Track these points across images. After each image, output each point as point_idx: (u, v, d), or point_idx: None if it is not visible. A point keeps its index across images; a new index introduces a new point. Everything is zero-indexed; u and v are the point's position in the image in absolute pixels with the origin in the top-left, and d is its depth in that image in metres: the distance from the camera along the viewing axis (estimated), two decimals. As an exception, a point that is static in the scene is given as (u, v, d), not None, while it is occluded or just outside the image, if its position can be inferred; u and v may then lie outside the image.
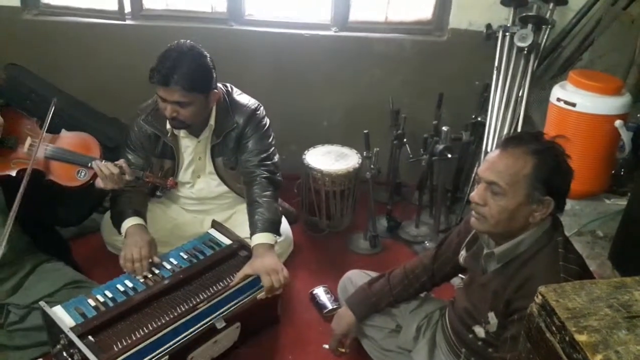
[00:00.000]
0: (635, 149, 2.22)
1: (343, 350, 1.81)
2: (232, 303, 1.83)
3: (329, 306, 2.15)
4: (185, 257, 1.98)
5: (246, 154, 2.08)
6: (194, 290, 1.83)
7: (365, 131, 2.44)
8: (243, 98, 2.12)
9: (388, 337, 1.76)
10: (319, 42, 2.82)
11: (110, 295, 1.78)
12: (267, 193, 2.03)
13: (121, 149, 2.11)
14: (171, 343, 1.66)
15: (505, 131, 2.57)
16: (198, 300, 1.79)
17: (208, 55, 1.92)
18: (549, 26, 2.55)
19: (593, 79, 2.15)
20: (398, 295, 1.75)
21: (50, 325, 1.68)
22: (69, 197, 1.96)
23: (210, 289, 1.85)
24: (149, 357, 1.61)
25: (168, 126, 2.02)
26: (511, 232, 1.37)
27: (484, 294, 1.45)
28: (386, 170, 2.81)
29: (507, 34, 2.60)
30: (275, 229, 1.99)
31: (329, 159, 2.59)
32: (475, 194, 1.38)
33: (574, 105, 2.12)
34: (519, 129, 2.56)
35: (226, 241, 2.07)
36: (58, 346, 1.63)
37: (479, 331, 1.48)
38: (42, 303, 1.68)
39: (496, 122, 2.59)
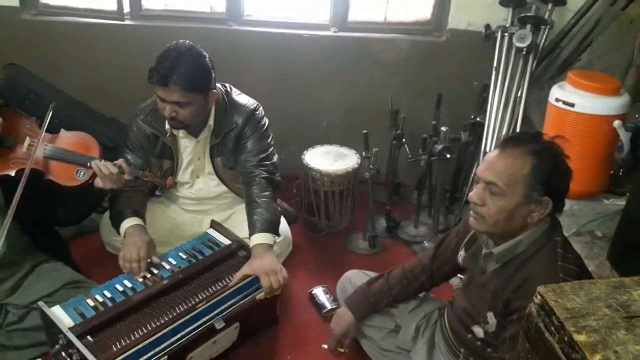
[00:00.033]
0: (634, 149, 2.23)
1: (342, 350, 1.81)
2: (231, 303, 1.83)
3: (328, 306, 2.15)
4: (184, 257, 1.98)
5: (245, 154, 2.08)
6: (193, 290, 1.83)
7: (364, 131, 2.44)
8: (242, 98, 2.11)
9: (387, 337, 1.76)
10: (318, 43, 2.82)
11: (109, 295, 1.78)
12: (266, 193, 2.03)
13: (120, 149, 2.11)
14: (170, 343, 1.66)
15: (504, 131, 2.57)
16: (197, 300, 1.79)
17: (207, 55, 1.92)
18: (548, 26, 2.55)
19: (592, 80, 2.15)
20: (397, 295, 1.75)
21: (49, 326, 1.67)
22: (68, 196, 1.96)
23: (209, 289, 1.85)
24: (147, 357, 1.61)
25: (167, 126, 2.02)
26: (510, 232, 1.37)
27: (483, 294, 1.45)
28: (385, 170, 2.81)
29: (505, 34, 2.60)
30: (274, 229, 1.99)
31: (328, 159, 2.59)
32: (474, 194, 1.38)
33: (572, 105, 2.12)
34: (517, 129, 2.56)
35: (225, 241, 2.07)
36: (57, 346, 1.62)
37: (478, 331, 1.48)
38: (40, 303, 1.68)
39: (495, 123, 2.60)
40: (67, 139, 1.98)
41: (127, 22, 2.87)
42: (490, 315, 1.42)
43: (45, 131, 1.92)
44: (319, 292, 2.22)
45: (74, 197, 1.98)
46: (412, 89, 2.87)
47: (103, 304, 1.74)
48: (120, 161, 1.90)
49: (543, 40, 2.58)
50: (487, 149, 2.57)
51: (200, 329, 1.73)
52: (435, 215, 2.64)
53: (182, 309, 1.75)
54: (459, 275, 1.77)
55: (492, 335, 1.44)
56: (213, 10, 2.91)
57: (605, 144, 2.15)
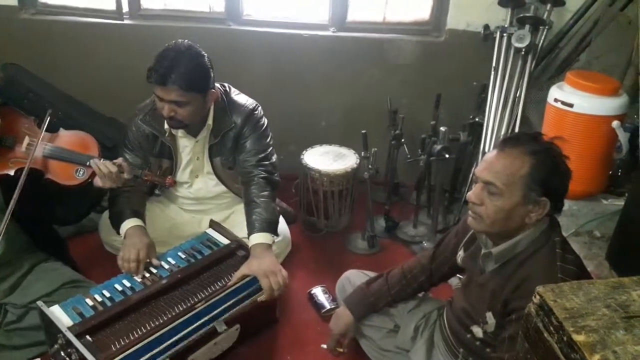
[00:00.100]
0: (633, 149, 2.23)
1: (341, 350, 1.81)
2: (231, 303, 1.83)
3: (327, 306, 2.15)
4: (183, 256, 1.98)
5: (244, 154, 2.08)
6: (192, 290, 1.83)
7: (363, 131, 2.44)
8: (241, 98, 2.11)
9: (386, 337, 1.76)
10: (317, 42, 2.82)
11: (108, 294, 1.78)
12: (265, 193, 2.03)
13: (119, 149, 2.10)
14: (169, 343, 1.66)
15: (503, 132, 2.58)
16: (196, 299, 1.79)
17: (206, 55, 1.92)
18: (547, 27, 2.55)
19: (590, 80, 2.16)
20: (396, 295, 1.75)
21: (48, 325, 1.67)
22: (67, 195, 1.96)
23: (208, 288, 1.85)
24: (146, 356, 1.61)
25: (166, 126, 2.02)
26: (508, 232, 1.37)
27: (482, 294, 1.45)
28: (384, 170, 2.81)
29: (504, 34, 2.60)
30: (273, 229, 1.99)
31: (327, 159, 2.59)
32: (472, 194, 1.38)
33: (571, 105, 2.12)
34: (516, 130, 2.56)
35: (224, 241, 2.07)
36: (56, 346, 1.62)
37: (477, 331, 1.48)
38: (39, 303, 1.68)
39: (494, 123, 2.60)
40: (66, 138, 1.98)
41: (126, 21, 2.87)
42: (489, 315, 1.42)
43: (45, 130, 1.92)
44: (318, 292, 2.22)
45: (73, 196, 1.98)
46: (411, 89, 2.87)
47: (102, 303, 1.74)
48: (119, 160, 1.90)
49: (542, 41, 2.58)
50: (486, 149, 2.57)
51: (202, 331, 1.73)
52: (434, 215, 2.64)
53: (181, 309, 1.75)
54: (458, 275, 1.78)
55: (491, 335, 1.44)
56: (212, 10, 2.91)
57: (603, 144, 2.16)
